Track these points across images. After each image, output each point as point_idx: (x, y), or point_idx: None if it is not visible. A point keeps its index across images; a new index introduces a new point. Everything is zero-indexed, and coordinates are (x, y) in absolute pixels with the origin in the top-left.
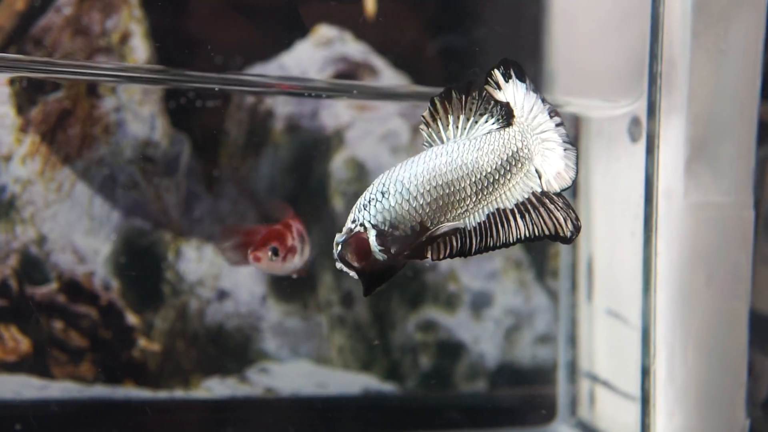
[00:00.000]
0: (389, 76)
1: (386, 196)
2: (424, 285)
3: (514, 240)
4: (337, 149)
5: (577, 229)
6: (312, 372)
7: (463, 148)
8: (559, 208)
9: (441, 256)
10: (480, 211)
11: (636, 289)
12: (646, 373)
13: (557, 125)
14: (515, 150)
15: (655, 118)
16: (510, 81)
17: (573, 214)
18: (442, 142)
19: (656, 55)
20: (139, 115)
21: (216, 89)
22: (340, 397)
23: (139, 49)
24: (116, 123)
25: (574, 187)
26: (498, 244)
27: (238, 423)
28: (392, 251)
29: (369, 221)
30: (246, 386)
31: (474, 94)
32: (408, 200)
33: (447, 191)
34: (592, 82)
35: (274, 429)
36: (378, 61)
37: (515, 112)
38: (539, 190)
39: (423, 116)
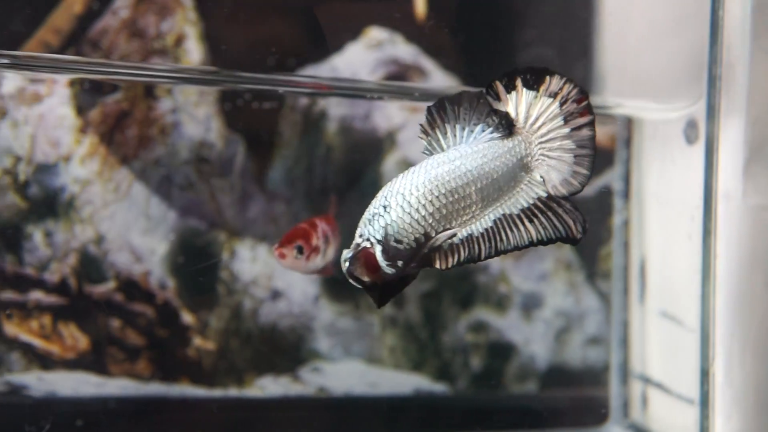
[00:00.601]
0: (439, 78)
1: (387, 210)
2: (475, 286)
3: (527, 243)
4: (389, 151)
5: (585, 230)
6: (364, 372)
7: (467, 155)
8: (567, 212)
9: (449, 265)
10: (486, 217)
11: (693, 292)
12: (705, 375)
13: (574, 129)
14: (519, 158)
15: (715, 120)
16: (513, 92)
17: (581, 217)
18: (442, 150)
19: (716, 58)
20: (194, 116)
21: (280, 91)
22: (392, 397)
23: (194, 52)
24: (172, 124)
25: (626, 190)
26: (509, 248)
27: (291, 422)
28: (399, 265)
29: (374, 236)
30: (299, 385)
31: (466, 105)
32: (409, 213)
33: (451, 199)
34: (646, 84)
35: (327, 428)
36: (428, 63)
37: (518, 122)
38: (544, 195)
39: (421, 125)
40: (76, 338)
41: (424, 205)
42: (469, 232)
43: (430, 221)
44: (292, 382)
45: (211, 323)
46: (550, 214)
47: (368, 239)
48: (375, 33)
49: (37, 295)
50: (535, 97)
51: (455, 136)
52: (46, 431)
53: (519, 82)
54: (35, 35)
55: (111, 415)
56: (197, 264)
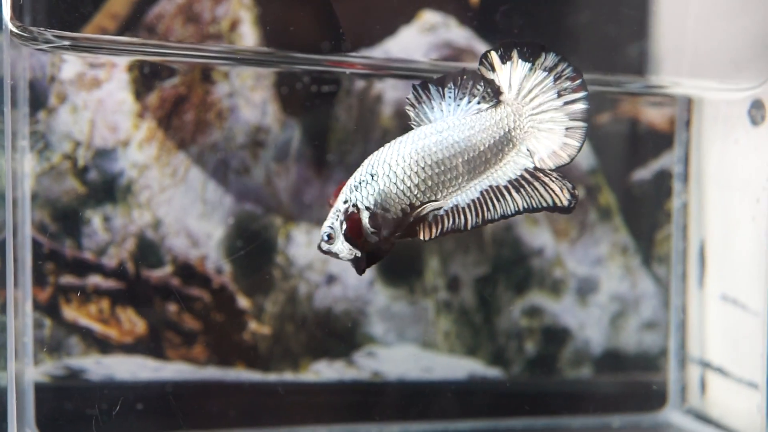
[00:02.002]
0: None
1: (375, 178)
2: (530, 270)
3: (513, 212)
4: None
5: (574, 197)
6: (418, 356)
7: (454, 126)
8: (554, 180)
9: (433, 235)
10: (473, 188)
11: (757, 275)
12: None
13: (566, 103)
14: (507, 130)
15: None
16: (508, 62)
17: (569, 184)
18: (430, 121)
19: None
20: (251, 100)
21: (348, 72)
22: (446, 382)
23: (248, 36)
24: (229, 109)
25: (685, 172)
26: (496, 217)
27: (346, 406)
28: (384, 232)
29: (362, 202)
30: (353, 370)
31: (450, 85)
32: (396, 183)
33: (437, 170)
34: (706, 63)
35: (381, 413)
36: (481, 47)
37: (507, 93)
38: (531, 166)
39: (408, 98)
40: (133, 322)
41: (410, 176)
42: (455, 203)
43: (416, 192)
44: (347, 366)
45: (266, 308)
46: (536, 183)
47: (354, 204)
48: (429, 16)
49: (95, 280)
50: (531, 69)
51: (442, 110)
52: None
53: (515, 54)
54: (92, 20)
55: (169, 399)
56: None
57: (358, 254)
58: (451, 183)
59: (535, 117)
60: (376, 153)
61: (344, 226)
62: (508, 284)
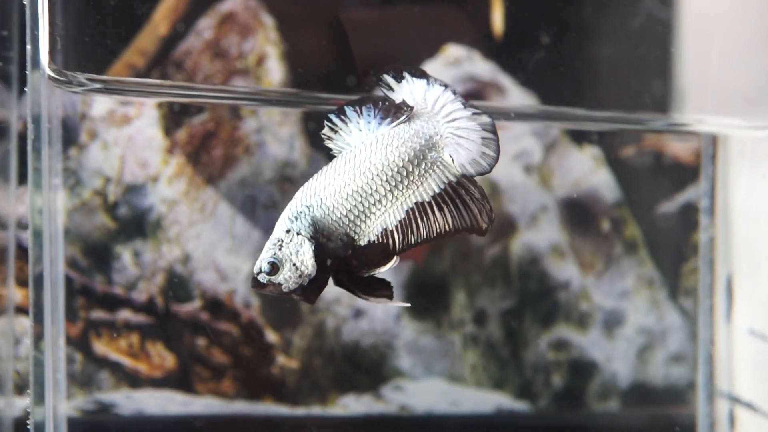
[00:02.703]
0: (516, 95)
1: (311, 209)
2: (557, 303)
3: (434, 235)
4: None
5: (491, 219)
6: (445, 390)
7: (371, 148)
8: (474, 200)
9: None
10: (399, 207)
11: None
12: None
13: (474, 114)
14: (428, 137)
15: None
16: (403, 81)
17: (487, 206)
18: (350, 146)
19: None
20: (278, 136)
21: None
22: (473, 416)
23: (275, 71)
24: (257, 144)
25: (711, 206)
26: (419, 240)
27: None
28: (327, 263)
29: (304, 231)
30: (381, 404)
31: (369, 105)
32: (329, 214)
33: (360, 198)
34: (730, 100)
35: None
36: (505, 80)
37: (418, 106)
38: (454, 179)
39: (323, 134)
40: (163, 357)
41: (338, 207)
42: (384, 226)
43: (347, 222)
44: (375, 400)
45: (294, 342)
46: (458, 201)
47: (299, 233)
48: (453, 50)
49: (125, 314)
50: (428, 83)
51: (360, 130)
52: None
53: (406, 74)
54: (121, 57)
55: None
56: None
57: (305, 282)
58: (377, 207)
59: (451, 124)
60: (306, 184)
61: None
62: (534, 317)
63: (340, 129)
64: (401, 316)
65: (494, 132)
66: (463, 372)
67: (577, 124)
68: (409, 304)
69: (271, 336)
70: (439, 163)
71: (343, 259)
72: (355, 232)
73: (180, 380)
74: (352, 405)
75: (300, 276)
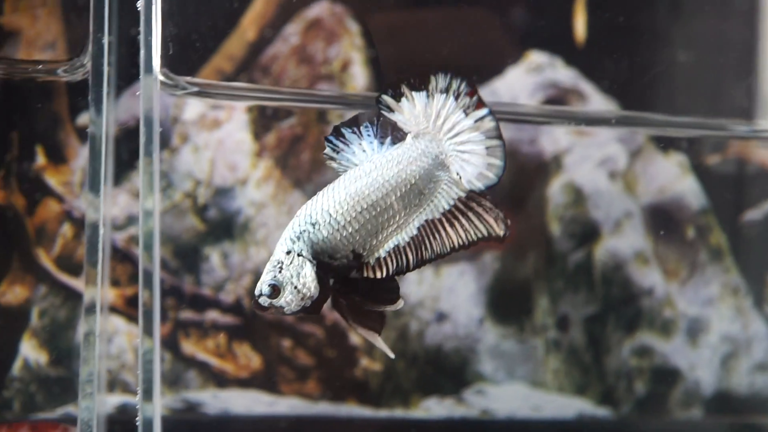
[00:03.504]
0: (598, 102)
1: (317, 227)
2: (640, 310)
3: (449, 249)
4: (555, 174)
5: (507, 226)
6: (527, 395)
7: (381, 165)
8: (487, 210)
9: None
10: (411, 225)
11: None
12: None
13: (476, 120)
14: (434, 157)
15: None
16: (403, 99)
17: (501, 213)
18: (356, 165)
19: None
20: None
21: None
22: (555, 421)
23: (359, 77)
24: None
25: None
26: (433, 256)
27: None
28: (331, 283)
29: (305, 252)
30: (463, 407)
31: (366, 124)
32: (338, 230)
33: (374, 213)
34: None
35: None
36: (587, 87)
37: (420, 125)
38: (463, 194)
39: (324, 154)
40: (249, 357)
41: (350, 222)
42: (396, 243)
43: (358, 238)
44: (457, 404)
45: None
46: (470, 214)
47: (300, 254)
48: (535, 56)
49: (213, 315)
50: (428, 96)
51: (364, 151)
52: None
53: (405, 89)
54: (210, 62)
55: None
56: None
57: (308, 304)
58: (389, 223)
59: (454, 140)
60: (309, 202)
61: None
62: (617, 324)
63: (342, 150)
64: (484, 320)
65: (498, 137)
66: (545, 377)
67: (661, 131)
68: (393, 355)
69: (355, 338)
70: (446, 181)
71: (346, 280)
72: (364, 248)
73: (265, 381)
74: (434, 408)
75: (302, 299)
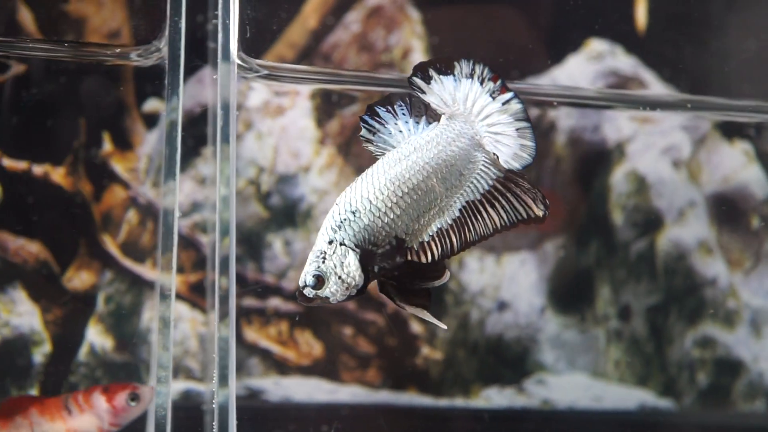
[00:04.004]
0: (659, 90)
1: (357, 215)
2: (703, 301)
3: (492, 231)
4: (618, 162)
5: (546, 206)
6: (588, 385)
7: (420, 147)
8: (525, 191)
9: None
10: (453, 207)
11: None
12: None
13: (504, 103)
14: (470, 137)
15: None
16: (432, 81)
17: (540, 194)
18: (393, 147)
19: None
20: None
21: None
22: (616, 412)
23: None
24: None
25: None
26: (477, 238)
27: None
28: (376, 270)
29: (349, 241)
30: (523, 397)
31: (399, 102)
32: (379, 217)
33: (415, 197)
34: None
35: None
36: (648, 75)
37: (451, 107)
38: (501, 174)
39: (361, 136)
40: (310, 345)
41: (391, 208)
42: (439, 226)
43: (400, 223)
44: (517, 393)
45: (438, 333)
46: (509, 195)
47: (342, 244)
48: (596, 44)
49: (275, 302)
50: (455, 80)
51: (401, 131)
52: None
53: (433, 72)
54: (271, 49)
55: (344, 422)
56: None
57: (353, 293)
58: (431, 206)
59: (485, 121)
60: (348, 189)
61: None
62: (680, 314)
63: (378, 131)
64: (545, 309)
65: (527, 119)
66: (606, 367)
67: (732, 116)
68: (445, 327)
69: (416, 327)
70: (483, 162)
71: (391, 265)
72: (407, 233)
73: (326, 368)
74: (494, 397)
75: (347, 288)
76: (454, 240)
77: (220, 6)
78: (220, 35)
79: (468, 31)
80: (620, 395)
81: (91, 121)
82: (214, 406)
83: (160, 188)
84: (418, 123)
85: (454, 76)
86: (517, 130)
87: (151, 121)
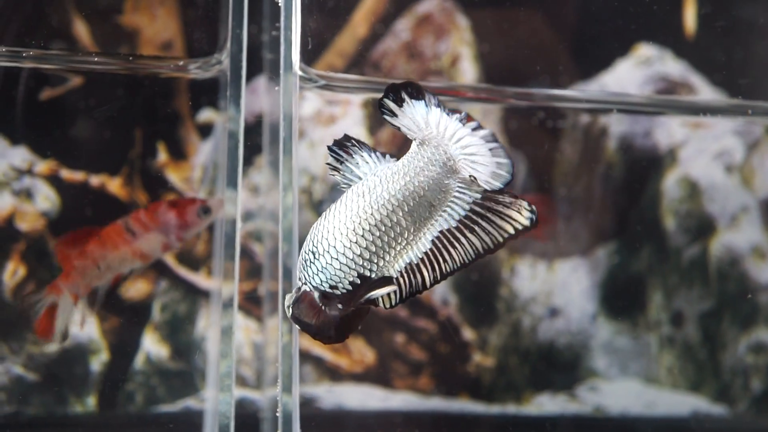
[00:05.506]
0: (708, 95)
1: (316, 256)
2: (757, 306)
3: (474, 256)
4: (670, 168)
5: (533, 212)
6: (640, 392)
7: (386, 179)
8: (507, 206)
9: (394, 303)
10: (423, 239)
11: None
12: None
13: (473, 129)
14: (442, 164)
15: None
16: (404, 104)
17: (524, 203)
18: (359, 179)
19: None
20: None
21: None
22: (669, 418)
23: (468, 72)
24: None
25: None
26: (456, 267)
27: None
28: (339, 308)
29: (309, 282)
30: (575, 404)
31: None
32: (337, 258)
33: (378, 233)
34: None
35: None
36: (697, 80)
37: (423, 131)
38: (479, 196)
39: (328, 164)
40: (363, 352)
41: (350, 248)
42: (408, 260)
43: (361, 262)
44: (569, 400)
45: (490, 340)
46: (490, 215)
47: (305, 284)
48: (644, 49)
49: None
50: (426, 105)
51: (367, 162)
52: None
53: (404, 95)
54: (322, 58)
55: (397, 429)
56: None
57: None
58: (397, 241)
59: (458, 143)
60: (316, 223)
61: (291, 311)
62: (733, 320)
63: (346, 160)
64: (597, 316)
65: (497, 140)
66: (658, 374)
67: None
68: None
69: (468, 334)
70: (458, 188)
71: (350, 302)
72: (371, 270)
73: (379, 376)
74: (546, 404)
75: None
76: (426, 274)
77: (282, 17)
78: (282, 47)
79: (517, 38)
80: (673, 401)
81: (146, 131)
82: (278, 414)
83: (215, 198)
84: (383, 156)
85: (424, 100)
86: (490, 150)
87: (205, 131)
